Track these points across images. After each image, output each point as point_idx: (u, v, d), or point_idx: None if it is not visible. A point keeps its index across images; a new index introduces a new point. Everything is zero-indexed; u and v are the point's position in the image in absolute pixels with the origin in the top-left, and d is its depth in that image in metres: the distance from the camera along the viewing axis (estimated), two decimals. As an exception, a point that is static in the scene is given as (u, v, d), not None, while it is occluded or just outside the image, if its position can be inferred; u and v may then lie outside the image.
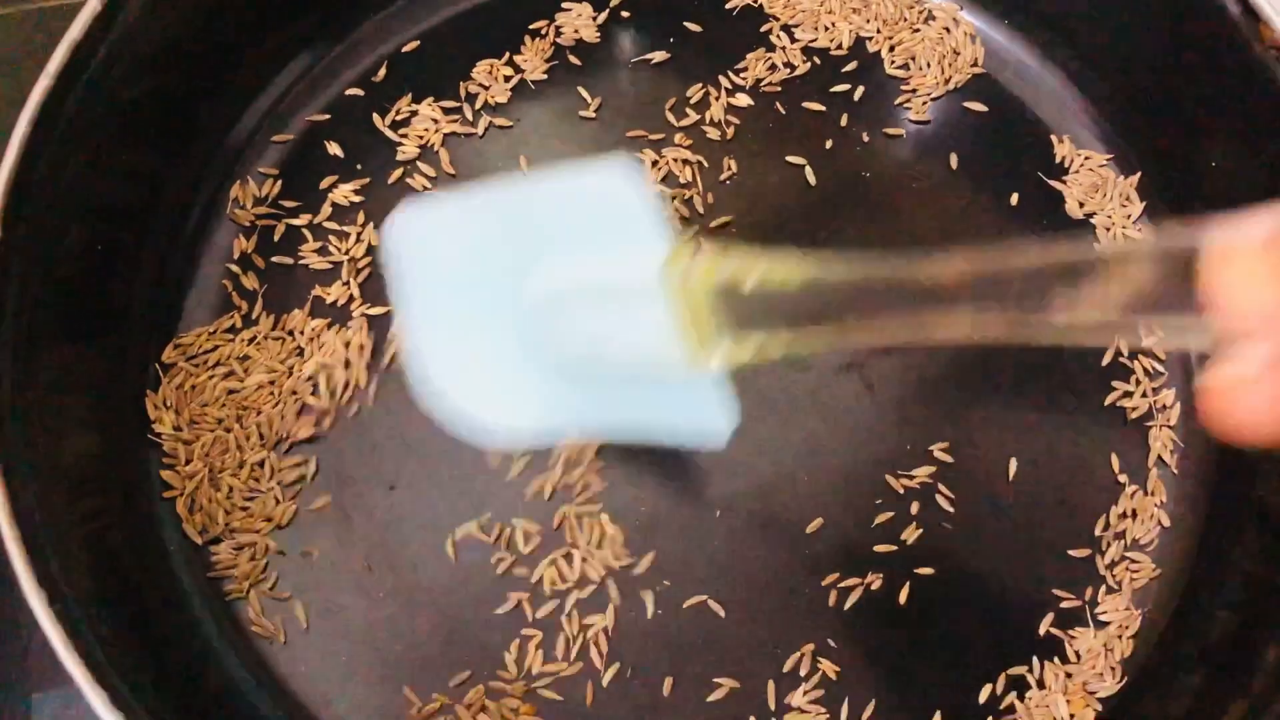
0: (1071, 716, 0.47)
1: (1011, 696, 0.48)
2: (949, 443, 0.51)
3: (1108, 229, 0.55)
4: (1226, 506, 0.51)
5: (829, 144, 0.56)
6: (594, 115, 0.56)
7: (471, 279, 0.39)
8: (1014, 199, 0.56)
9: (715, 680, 0.47)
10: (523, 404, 0.40)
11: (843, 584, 0.49)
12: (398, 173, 0.55)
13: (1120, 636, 0.49)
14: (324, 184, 0.54)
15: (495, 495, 0.50)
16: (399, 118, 0.56)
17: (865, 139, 0.56)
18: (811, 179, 0.55)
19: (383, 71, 0.57)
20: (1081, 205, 0.56)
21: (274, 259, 0.53)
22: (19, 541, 0.39)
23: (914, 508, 0.50)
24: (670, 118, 0.56)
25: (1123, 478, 0.51)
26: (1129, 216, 0.56)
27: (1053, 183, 0.56)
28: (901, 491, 0.50)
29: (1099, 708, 0.48)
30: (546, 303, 0.37)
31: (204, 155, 0.54)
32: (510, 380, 0.40)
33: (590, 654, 0.47)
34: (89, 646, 0.38)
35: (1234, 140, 0.52)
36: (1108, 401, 0.53)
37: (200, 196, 0.54)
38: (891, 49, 0.58)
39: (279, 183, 0.55)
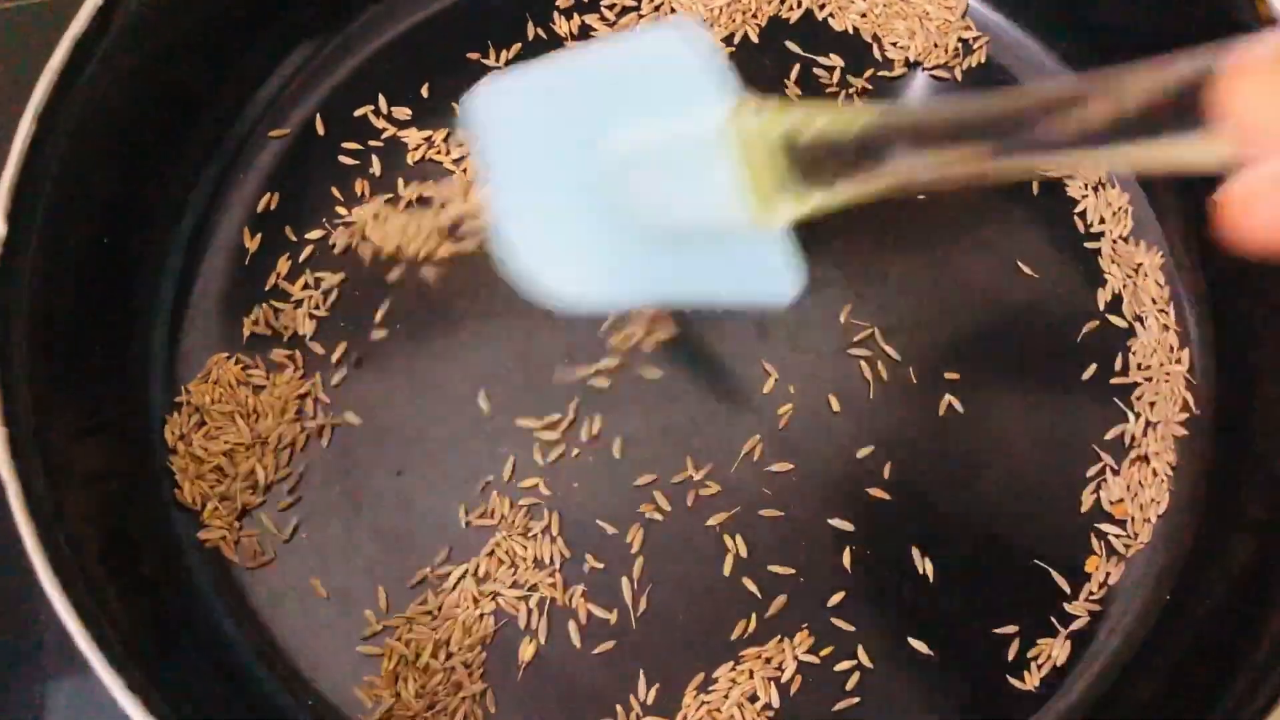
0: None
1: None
2: (952, 423, 0.52)
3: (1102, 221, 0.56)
4: (1229, 482, 0.51)
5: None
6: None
7: (548, 147, 0.39)
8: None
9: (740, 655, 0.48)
10: (596, 267, 0.40)
11: (857, 560, 0.49)
12: (405, 164, 0.55)
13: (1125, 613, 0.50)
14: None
15: (501, 477, 0.50)
16: (400, 111, 0.56)
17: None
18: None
19: (382, 61, 0.57)
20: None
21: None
22: (34, 534, 0.39)
23: (920, 488, 0.51)
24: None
25: (1132, 451, 0.52)
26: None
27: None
28: (906, 473, 0.51)
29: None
30: (617, 167, 0.37)
31: (206, 147, 0.55)
32: (584, 244, 0.39)
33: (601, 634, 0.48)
34: (104, 633, 0.39)
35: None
36: (1116, 374, 0.53)
37: (201, 189, 0.55)
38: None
39: (276, 196, 0.55)
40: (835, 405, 0.52)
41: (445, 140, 0.55)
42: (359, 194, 0.54)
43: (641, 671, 0.48)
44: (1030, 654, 0.49)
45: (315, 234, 0.54)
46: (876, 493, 0.50)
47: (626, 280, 0.40)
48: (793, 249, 0.37)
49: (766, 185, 0.34)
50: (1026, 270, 0.54)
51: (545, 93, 0.40)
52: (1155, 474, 0.52)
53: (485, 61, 0.57)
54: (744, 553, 0.49)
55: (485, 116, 0.40)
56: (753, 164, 0.34)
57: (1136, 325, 0.54)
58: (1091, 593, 0.50)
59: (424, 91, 0.57)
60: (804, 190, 0.33)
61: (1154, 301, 0.54)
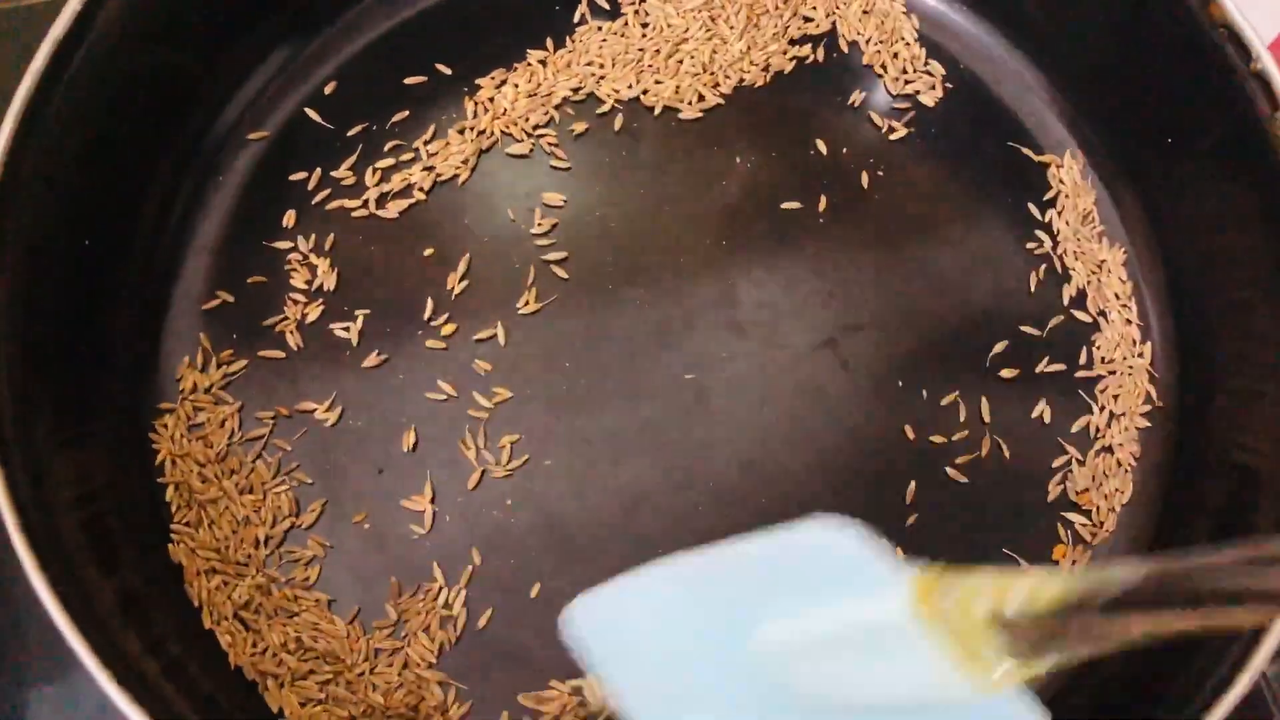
0: None
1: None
2: (923, 418, 0.53)
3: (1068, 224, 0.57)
4: (1190, 471, 0.53)
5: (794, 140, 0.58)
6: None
7: (685, 655, 0.36)
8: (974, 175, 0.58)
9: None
10: None
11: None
12: (380, 170, 0.56)
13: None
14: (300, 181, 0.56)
15: (484, 471, 0.51)
16: (377, 112, 0.57)
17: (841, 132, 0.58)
18: (786, 177, 0.57)
19: (359, 64, 0.58)
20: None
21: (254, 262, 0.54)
22: (21, 531, 0.40)
23: (893, 482, 0.52)
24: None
25: (1096, 442, 0.53)
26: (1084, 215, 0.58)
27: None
28: (879, 467, 0.52)
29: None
30: (782, 661, 0.35)
31: (186, 150, 0.55)
32: None
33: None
34: (91, 628, 0.39)
35: (1187, 118, 0.53)
36: (1080, 368, 0.55)
37: (183, 191, 0.55)
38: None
39: (256, 197, 0.55)
40: (809, 401, 0.53)
41: (424, 143, 0.56)
42: (331, 195, 0.55)
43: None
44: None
45: (295, 235, 0.54)
46: (850, 487, 0.52)
47: None
48: (1030, 698, 0.32)
49: (976, 658, 0.31)
50: (994, 267, 0.56)
51: (672, 596, 0.37)
52: (1119, 464, 0.53)
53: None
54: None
55: (599, 628, 0.37)
56: (955, 639, 0.31)
57: (1100, 320, 0.55)
58: (1058, 580, 0.51)
59: (401, 93, 0.57)
60: (1024, 654, 0.30)
61: (1117, 297, 0.56)
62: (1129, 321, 0.56)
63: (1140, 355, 0.55)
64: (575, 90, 0.57)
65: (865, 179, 0.57)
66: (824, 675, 0.34)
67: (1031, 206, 0.57)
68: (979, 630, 0.30)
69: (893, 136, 0.58)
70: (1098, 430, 0.54)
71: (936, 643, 0.31)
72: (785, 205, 0.56)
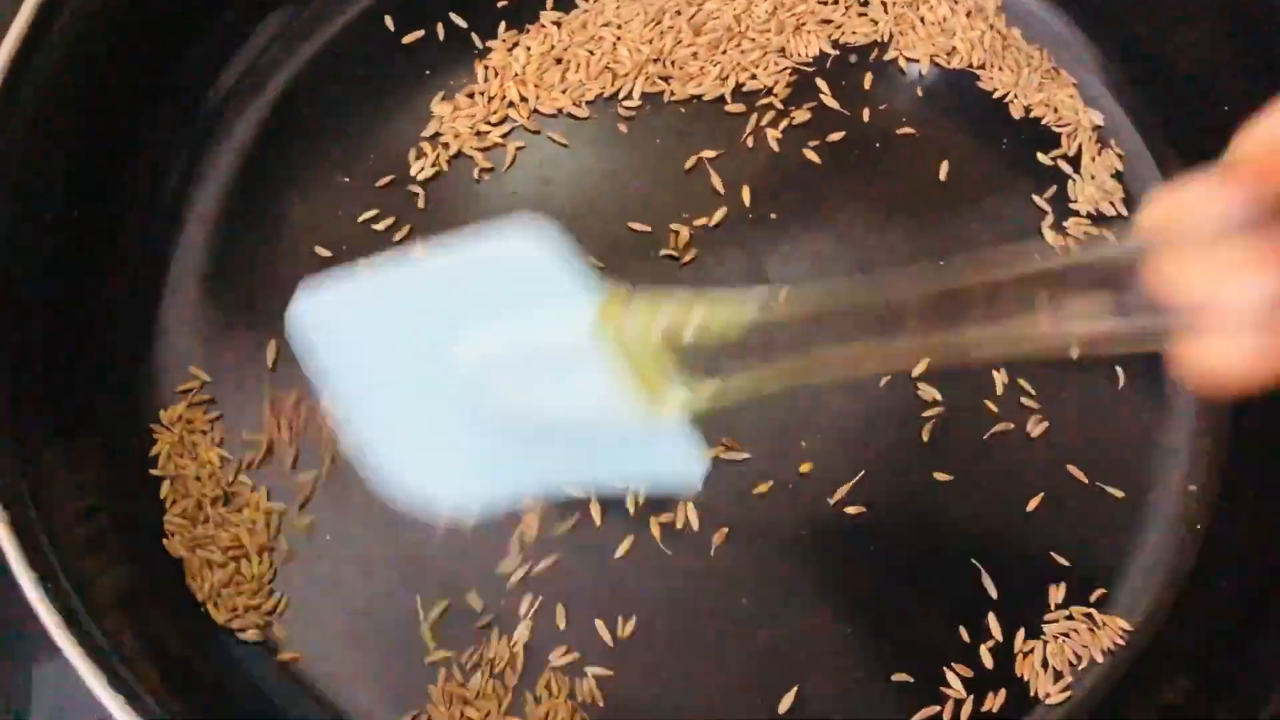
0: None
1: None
2: (958, 391, 0.51)
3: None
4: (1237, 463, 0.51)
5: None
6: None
7: (394, 354, 0.37)
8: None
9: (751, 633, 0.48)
10: (472, 471, 0.38)
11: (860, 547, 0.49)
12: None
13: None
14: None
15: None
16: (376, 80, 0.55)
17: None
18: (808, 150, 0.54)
19: (356, 31, 0.56)
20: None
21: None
22: (8, 525, 0.39)
23: (925, 459, 0.50)
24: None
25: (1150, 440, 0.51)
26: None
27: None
28: (913, 443, 0.50)
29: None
30: (478, 370, 0.36)
31: (178, 120, 0.53)
32: (455, 450, 0.38)
33: (596, 620, 0.47)
34: (84, 628, 0.39)
35: (1240, 91, 0.51)
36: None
37: (176, 163, 0.53)
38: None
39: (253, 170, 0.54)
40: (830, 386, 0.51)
41: (432, 108, 0.54)
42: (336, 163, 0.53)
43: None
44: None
45: (298, 205, 0.52)
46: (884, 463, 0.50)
47: (505, 478, 0.38)
48: (690, 433, 0.35)
49: (652, 379, 0.33)
50: (1028, 237, 0.53)
51: (382, 299, 0.37)
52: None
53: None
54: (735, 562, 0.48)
55: (315, 328, 0.37)
56: (633, 359, 0.32)
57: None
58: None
59: (407, 55, 0.55)
60: (696, 381, 0.32)
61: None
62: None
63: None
64: (591, 53, 0.55)
65: (896, 146, 0.54)
66: (515, 392, 0.35)
67: (1071, 176, 0.54)
68: (656, 355, 0.32)
69: (925, 101, 0.55)
70: (1150, 425, 0.51)
71: (614, 362, 0.32)
72: (813, 176, 0.53)
